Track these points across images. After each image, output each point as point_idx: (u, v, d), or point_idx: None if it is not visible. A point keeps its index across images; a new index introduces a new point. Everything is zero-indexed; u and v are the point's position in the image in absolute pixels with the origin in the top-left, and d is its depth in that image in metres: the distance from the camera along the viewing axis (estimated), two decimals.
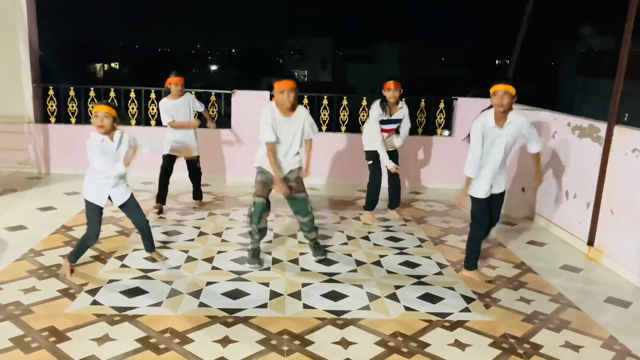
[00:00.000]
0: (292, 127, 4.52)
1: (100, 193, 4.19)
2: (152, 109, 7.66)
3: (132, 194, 4.39)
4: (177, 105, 5.90)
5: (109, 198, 4.26)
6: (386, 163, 5.81)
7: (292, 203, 4.74)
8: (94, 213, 4.20)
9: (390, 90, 5.68)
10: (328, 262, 4.73)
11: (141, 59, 52.54)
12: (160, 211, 5.94)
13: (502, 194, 4.47)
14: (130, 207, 4.39)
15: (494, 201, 4.43)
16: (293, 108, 4.52)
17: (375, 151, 5.81)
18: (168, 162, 5.94)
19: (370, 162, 5.92)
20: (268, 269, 4.54)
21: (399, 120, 5.89)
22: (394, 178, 6.06)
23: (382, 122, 5.76)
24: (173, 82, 5.89)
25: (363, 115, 7.80)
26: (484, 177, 4.29)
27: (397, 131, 5.96)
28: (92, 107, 7.63)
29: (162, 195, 5.96)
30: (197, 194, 6.33)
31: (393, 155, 5.93)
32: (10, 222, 5.41)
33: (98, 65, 54.50)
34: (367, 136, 5.89)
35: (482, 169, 4.27)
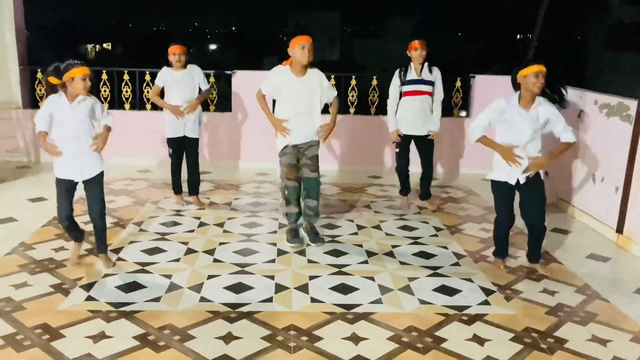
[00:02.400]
0: (307, 87, 4.60)
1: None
2: (148, 92, 7.66)
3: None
4: (178, 78, 5.61)
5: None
6: (390, 127, 5.80)
7: (306, 180, 4.81)
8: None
9: (418, 50, 5.58)
10: (337, 253, 4.74)
11: (135, 38, 52.55)
12: (183, 202, 5.90)
13: (533, 186, 4.27)
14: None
15: (524, 193, 4.32)
16: (307, 67, 4.58)
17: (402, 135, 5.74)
18: (176, 146, 5.72)
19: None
20: (273, 261, 4.57)
21: (430, 83, 5.68)
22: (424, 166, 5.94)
23: (409, 82, 5.64)
24: (171, 50, 5.58)
25: (373, 96, 7.78)
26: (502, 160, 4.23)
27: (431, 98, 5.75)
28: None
29: (177, 185, 5.90)
30: (193, 188, 5.94)
31: (426, 144, 5.81)
32: (0, 214, 5.46)
33: (89, 46, 54.53)
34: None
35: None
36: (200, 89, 5.74)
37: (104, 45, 56.79)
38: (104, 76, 7.71)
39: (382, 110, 7.89)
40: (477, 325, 3.63)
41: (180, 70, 5.63)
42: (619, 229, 5.15)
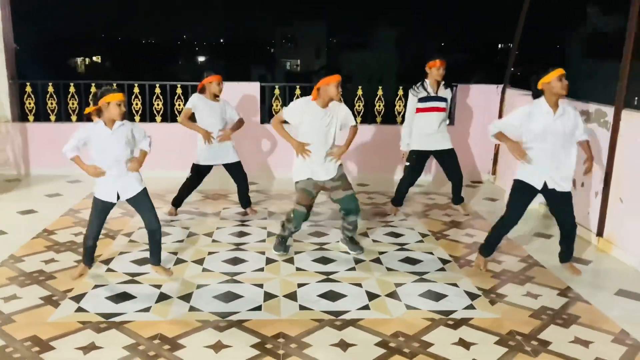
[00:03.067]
0: (327, 118, 4.64)
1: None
2: (136, 104, 7.64)
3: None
4: (211, 108, 5.67)
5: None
6: (403, 146, 5.89)
7: (341, 201, 4.75)
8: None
9: (440, 69, 5.67)
10: (325, 261, 4.73)
11: (124, 51, 52.42)
12: (175, 213, 5.90)
13: (564, 195, 4.34)
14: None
15: (554, 200, 4.38)
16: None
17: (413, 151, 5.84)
18: (197, 173, 5.80)
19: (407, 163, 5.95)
20: (262, 269, 4.55)
21: (444, 100, 5.79)
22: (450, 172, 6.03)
23: (424, 99, 5.73)
24: (208, 81, 5.61)
25: (359, 105, 7.80)
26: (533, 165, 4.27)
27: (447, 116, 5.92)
28: (72, 103, 7.63)
29: (180, 202, 5.91)
30: (244, 201, 6.01)
31: (450, 155, 5.90)
32: None
33: (79, 60, 54.36)
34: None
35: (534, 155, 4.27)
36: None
37: (94, 58, 56.61)
38: (93, 89, 7.66)
39: (367, 119, 7.94)
40: (463, 329, 3.63)
41: (214, 101, 5.69)
42: (600, 233, 5.19)
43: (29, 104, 7.69)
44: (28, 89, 7.65)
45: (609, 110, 5.13)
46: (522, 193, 4.37)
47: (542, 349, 3.41)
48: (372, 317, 3.77)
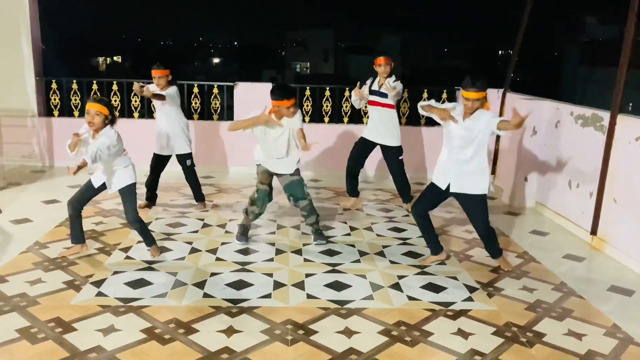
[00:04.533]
0: (279, 130, 4.71)
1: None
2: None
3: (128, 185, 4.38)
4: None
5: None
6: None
7: (287, 188, 4.83)
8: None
9: (381, 66, 5.70)
10: (331, 253, 4.74)
11: (143, 52, 52.52)
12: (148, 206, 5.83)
13: (469, 197, 4.29)
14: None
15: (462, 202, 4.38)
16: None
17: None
18: (155, 161, 5.81)
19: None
20: (272, 259, 4.56)
21: (385, 95, 5.70)
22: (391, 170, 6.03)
23: (371, 92, 5.83)
24: (155, 74, 5.61)
25: (365, 106, 7.78)
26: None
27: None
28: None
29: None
30: (198, 195, 5.96)
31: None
32: (16, 215, 5.43)
33: (101, 59, 54.51)
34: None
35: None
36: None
37: (114, 58, 56.75)
38: (115, 87, 7.70)
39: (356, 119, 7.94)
40: (462, 320, 3.63)
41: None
42: (593, 231, 5.17)
43: (54, 100, 7.73)
44: (53, 85, 7.70)
45: (605, 115, 5.10)
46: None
47: (537, 340, 3.40)
48: (376, 306, 3.77)
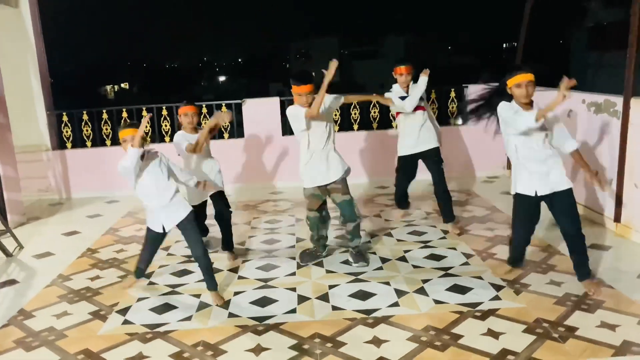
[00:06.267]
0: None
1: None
2: (165, 125, 7.74)
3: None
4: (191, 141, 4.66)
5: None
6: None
7: (339, 206, 4.58)
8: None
9: (402, 76, 5.20)
10: None
11: (150, 76, 53.14)
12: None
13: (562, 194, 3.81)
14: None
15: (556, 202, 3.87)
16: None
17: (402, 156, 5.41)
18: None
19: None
20: (294, 274, 4.55)
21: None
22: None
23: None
24: (183, 112, 4.78)
25: (374, 112, 7.79)
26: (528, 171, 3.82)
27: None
28: (106, 129, 7.75)
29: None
30: (227, 243, 5.06)
31: (428, 154, 5.32)
32: (37, 249, 5.49)
33: (108, 87, 55.25)
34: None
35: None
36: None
37: (122, 85, 57.49)
38: (124, 114, 7.79)
39: (383, 125, 7.91)
40: (491, 319, 3.58)
41: (194, 134, 4.76)
42: (617, 218, 5.09)
43: (66, 132, 7.84)
44: (64, 118, 7.81)
45: (618, 100, 5.03)
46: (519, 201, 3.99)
47: (570, 334, 3.35)
48: (402, 313, 3.74)
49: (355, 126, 7.83)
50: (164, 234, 4.11)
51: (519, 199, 3.90)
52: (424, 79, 5.16)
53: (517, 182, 3.88)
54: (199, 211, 4.73)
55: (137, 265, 4.35)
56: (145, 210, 4.11)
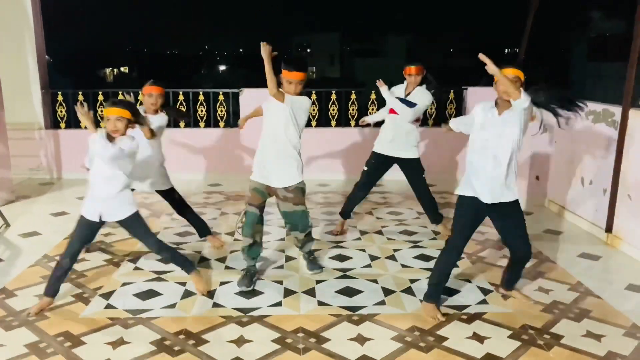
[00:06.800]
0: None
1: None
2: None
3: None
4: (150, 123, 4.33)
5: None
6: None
7: (288, 217, 4.18)
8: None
9: (412, 76, 4.98)
10: (342, 258, 4.68)
11: (150, 62, 52.82)
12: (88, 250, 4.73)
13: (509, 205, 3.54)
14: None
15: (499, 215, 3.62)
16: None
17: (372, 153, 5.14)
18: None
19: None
20: (282, 267, 4.50)
21: (414, 104, 4.98)
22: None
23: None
24: (147, 92, 4.52)
25: (372, 109, 7.73)
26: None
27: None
28: (101, 111, 7.66)
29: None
30: (202, 229, 4.93)
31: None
32: (24, 228, 5.42)
33: (108, 70, 54.91)
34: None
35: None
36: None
37: (122, 68, 57.14)
38: (120, 96, 7.70)
39: (381, 122, 7.85)
40: (477, 323, 3.55)
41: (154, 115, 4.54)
42: (608, 229, 5.07)
43: (61, 112, 7.75)
44: (59, 98, 7.71)
45: (617, 110, 5.01)
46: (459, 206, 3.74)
47: (555, 342, 3.32)
48: (388, 312, 3.71)
49: (352, 122, 7.79)
50: (100, 225, 3.75)
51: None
52: (382, 90, 5.07)
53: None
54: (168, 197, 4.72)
55: (59, 262, 3.76)
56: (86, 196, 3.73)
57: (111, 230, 5.36)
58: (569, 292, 4.02)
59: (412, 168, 5.11)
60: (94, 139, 3.49)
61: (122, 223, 3.77)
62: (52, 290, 3.74)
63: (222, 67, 59.04)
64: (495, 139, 3.43)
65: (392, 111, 5.05)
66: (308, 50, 48.42)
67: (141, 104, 4.68)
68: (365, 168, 5.20)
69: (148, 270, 4.41)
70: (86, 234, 3.77)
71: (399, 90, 5.10)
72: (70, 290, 4.02)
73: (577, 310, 3.74)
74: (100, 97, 7.69)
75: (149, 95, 4.53)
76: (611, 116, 5.09)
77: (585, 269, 4.47)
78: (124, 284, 4.13)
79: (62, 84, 8.82)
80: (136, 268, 4.46)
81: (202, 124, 7.75)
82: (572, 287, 4.11)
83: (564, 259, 4.68)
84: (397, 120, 5.00)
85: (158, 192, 4.74)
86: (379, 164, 5.15)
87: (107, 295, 3.93)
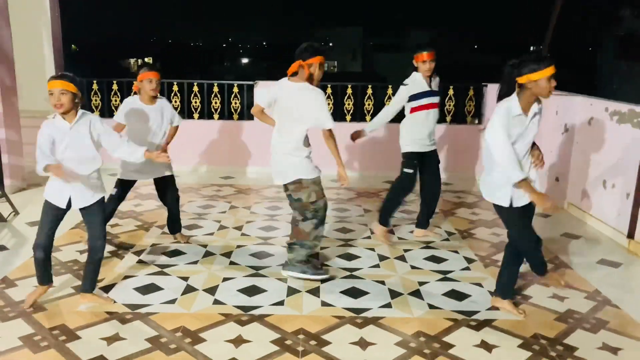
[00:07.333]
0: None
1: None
2: (195, 102, 7.63)
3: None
4: (148, 112, 4.39)
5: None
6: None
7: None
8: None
9: (426, 63, 4.69)
10: (349, 257, 4.54)
11: (174, 53, 53.08)
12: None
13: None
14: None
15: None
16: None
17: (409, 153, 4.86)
18: (122, 189, 4.55)
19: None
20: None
21: (438, 93, 4.83)
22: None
23: (419, 95, 4.73)
24: (146, 77, 4.31)
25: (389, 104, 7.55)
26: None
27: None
28: (115, 100, 7.62)
29: None
30: (174, 225, 4.79)
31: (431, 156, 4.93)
32: (31, 217, 5.38)
33: (132, 60, 55.36)
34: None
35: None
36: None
37: (146, 59, 57.59)
38: (135, 87, 7.64)
39: (398, 117, 7.66)
40: (486, 330, 3.38)
41: (152, 104, 4.43)
42: (630, 235, 4.84)
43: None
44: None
45: None
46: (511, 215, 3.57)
47: (568, 354, 3.14)
48: (394, 315, 3.55)
49: (368, 117, 7.61)
50: (65, 211, 3.54)
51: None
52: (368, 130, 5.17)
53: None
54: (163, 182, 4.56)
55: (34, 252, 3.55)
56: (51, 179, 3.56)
57: (119, 222, 5.30)
58: (586, 301, 3.82)
59: (435, 157, 4.94)
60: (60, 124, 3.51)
61: (87, 207, 3.51)
62: (43, 278, 3.55)
63: (244, 60, 59.11)
64: (531, 136, 3.34)
65: (432, 106, 4.75)
66: (330, 45, 48.12)
67: (135, 94, 4.53)
68: (410, 171, 4.84)
69: (152, 263, 4.32)
70: (53, 219, 3.56)
71: (417, 85, 4.72)
72: (71, 281, 3.95)
73: (594, 321, 3.54)
74: (115, 87, 7.63)
75: (149, 80, 4.32)
76: (637, 117, 4.85)
77: (604, 277, 4.26)
78: (126, 277, 4.05)
79: (87, 73, 8.78)
80: (140, 261, 4.37)
81: (216, 115, 7.65)
82: (589, 296, 3.91)
83: (582, 264, 4.47)
84: (433, 114, 4.79)
85: (156, 180, 4.59)
86: (419, 163, 4.88)
87: (108, 288, 3.85)
